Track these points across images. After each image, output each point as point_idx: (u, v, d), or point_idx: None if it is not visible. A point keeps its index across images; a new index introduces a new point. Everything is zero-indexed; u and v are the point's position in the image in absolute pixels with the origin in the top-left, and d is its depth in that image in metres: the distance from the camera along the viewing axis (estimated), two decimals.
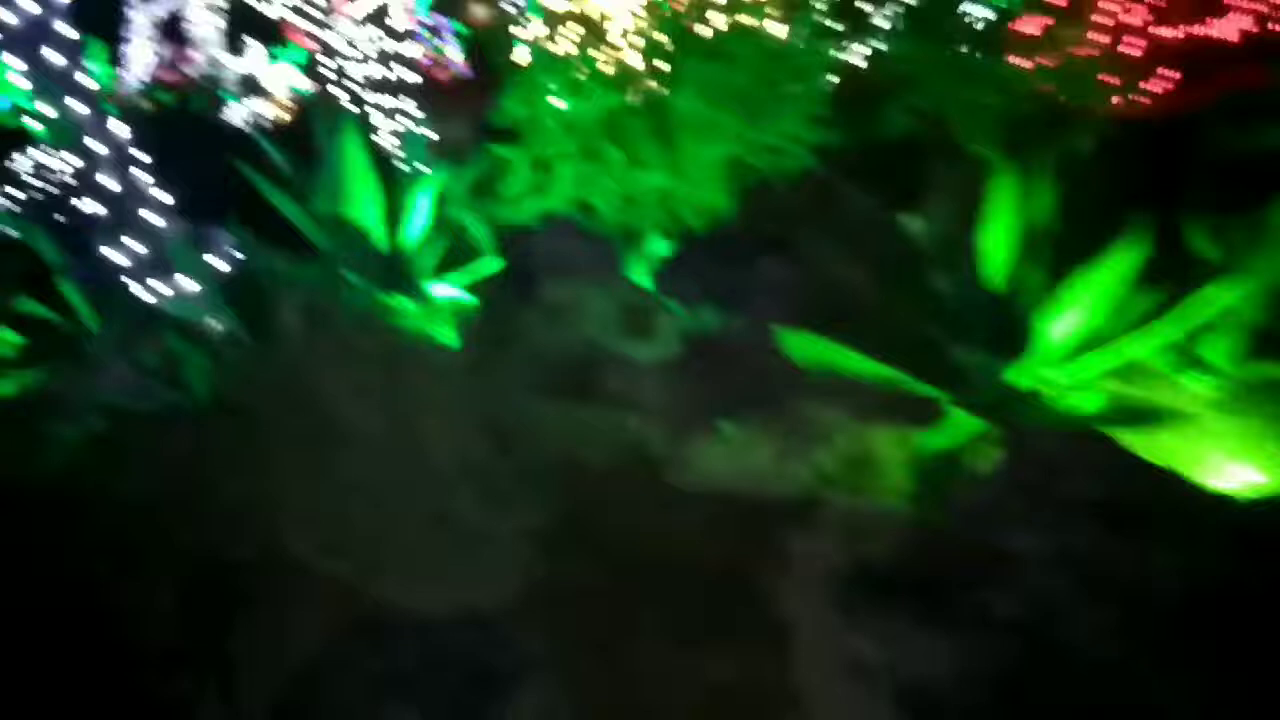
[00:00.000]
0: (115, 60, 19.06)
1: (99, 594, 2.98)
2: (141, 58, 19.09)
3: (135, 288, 4.48)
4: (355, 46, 8.68)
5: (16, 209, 5.50)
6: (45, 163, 5.47)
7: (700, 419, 3.73)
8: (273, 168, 4.84)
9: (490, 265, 4.47)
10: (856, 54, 6.99)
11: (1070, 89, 5.52)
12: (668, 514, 3.38)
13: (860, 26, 6.99)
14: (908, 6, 7.18)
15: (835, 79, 5.91)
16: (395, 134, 8.09)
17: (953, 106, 5.47)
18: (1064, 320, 3.48)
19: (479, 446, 3.25)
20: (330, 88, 9.45)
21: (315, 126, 4.77)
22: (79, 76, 4.35)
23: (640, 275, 4.53)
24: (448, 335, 4.37)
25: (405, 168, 5.24)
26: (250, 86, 17.26)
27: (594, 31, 7.07)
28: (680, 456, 3.65)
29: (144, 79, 18.69)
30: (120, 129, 4.43)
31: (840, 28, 7.11)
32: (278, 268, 4.59)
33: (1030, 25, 6.41)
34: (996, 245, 3.61)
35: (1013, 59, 5.80)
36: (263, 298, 4.37)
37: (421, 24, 17.79)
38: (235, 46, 17.99)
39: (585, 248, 4.16)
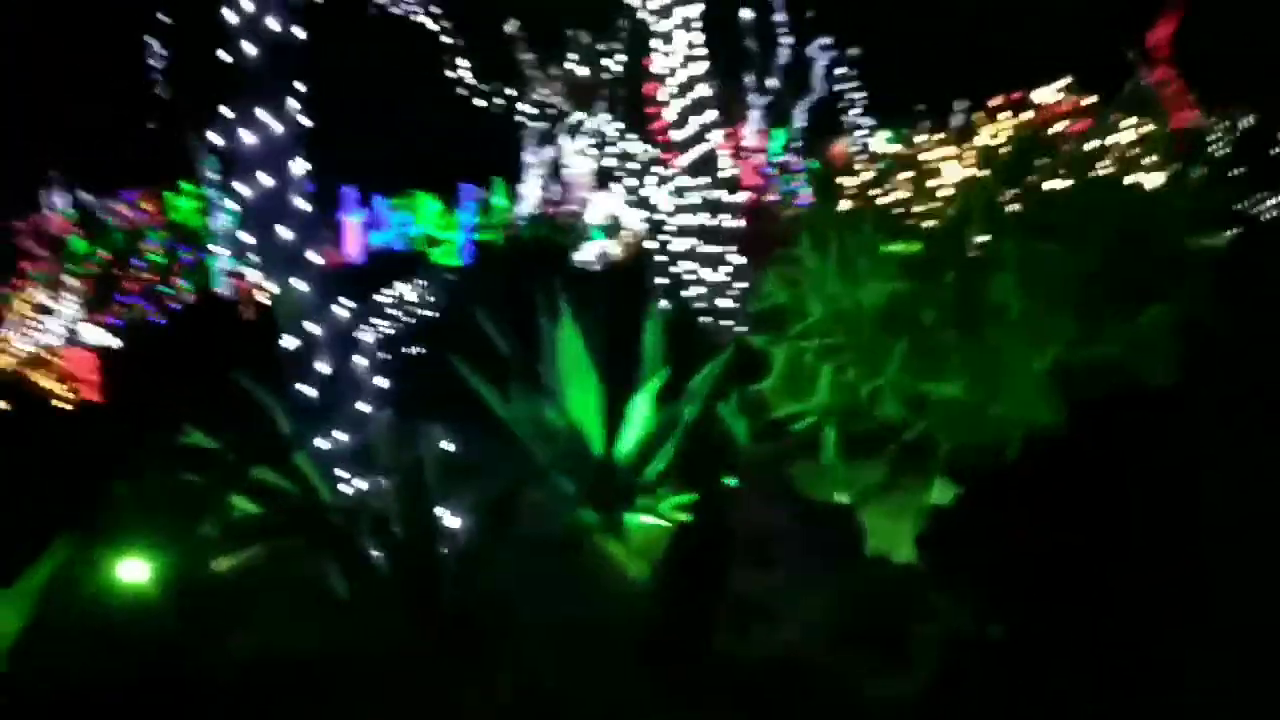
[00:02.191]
0: (512, 195, 20.87)
1: None
2: (532, 194, 20.71)
3: (338, 476, 3.88)
4: (682, 195, 8.10)
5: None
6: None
7: None
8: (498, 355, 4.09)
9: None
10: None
11: None
12: None
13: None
14: None
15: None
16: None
17: None
18: None
19: None
20: (650, 242, 8.96)
21: (538, 312, 3.95)
22: (309, 255, 3.91)
23: (900, 543, 3.06)
24: (641, 571, 3.25)
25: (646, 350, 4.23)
26: (612, 226, 17.87)
27: (920, 186, 5.75)
28: None
29: (532, 212, 20.19)
30: (342, 312, 3.91)
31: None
32: (477, 465, 3.79)
33: None
34: None
35: None
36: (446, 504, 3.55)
37: (776, 164, 17.42)
38: (604, 187, 18.84)
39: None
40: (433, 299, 9.69)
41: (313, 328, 3.86)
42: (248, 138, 3.78)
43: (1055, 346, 3.56)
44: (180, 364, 7.12)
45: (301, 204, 3.90)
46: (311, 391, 3.88)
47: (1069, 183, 4.16)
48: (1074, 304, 3.52)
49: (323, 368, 3.84)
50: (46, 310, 9.41)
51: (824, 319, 3.82)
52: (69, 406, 7.90)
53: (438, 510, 3.50)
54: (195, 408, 4.82)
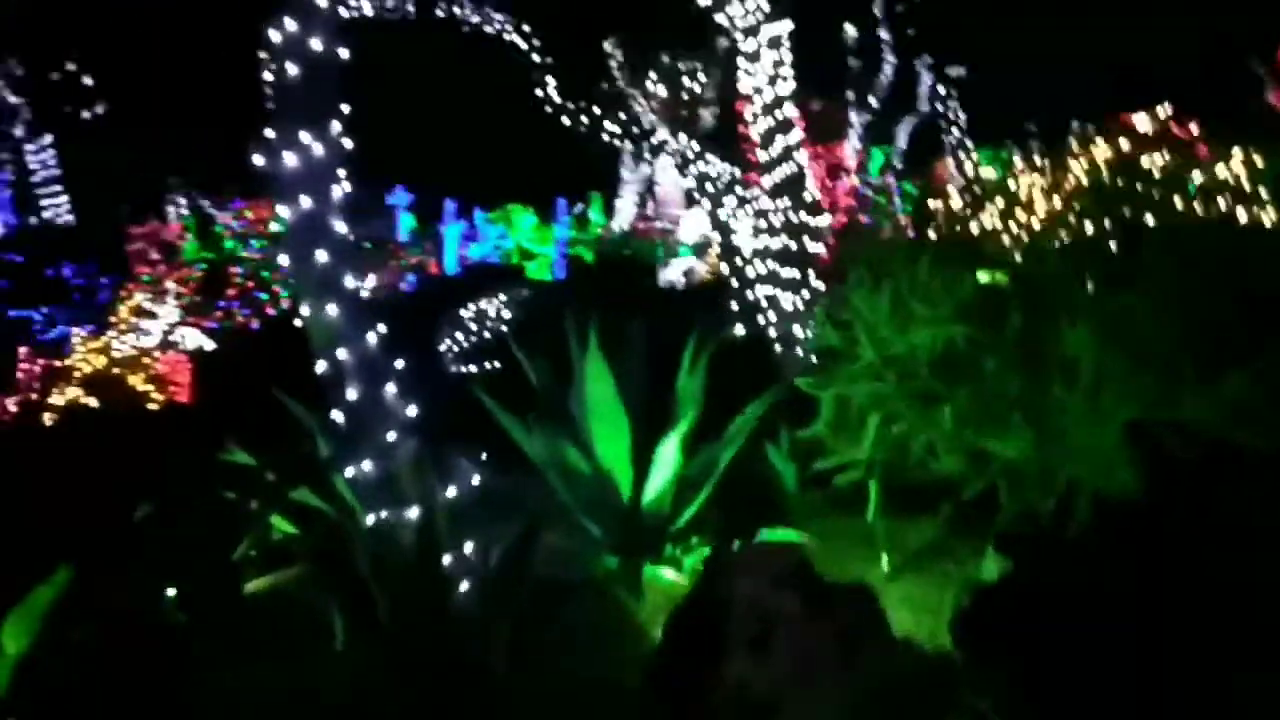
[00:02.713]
0: (609, 211, 20.89)
1: None
2: (627, 210, 20.68)
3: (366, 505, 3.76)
4: (763, 217, 7.83)
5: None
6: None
7: None
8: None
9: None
10: None
11: None
12: None
13: None
14: None
15: None
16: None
17: None
18: None
19: None
20: (724, 264, 8.69)
21: (570, 343, 3.75)
22: (346, 280, 3.81)
23: (937, 622, 2.74)
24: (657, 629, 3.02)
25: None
26: (701, 244, 17.62)
27: (1008, 218, 5.36)
28: None
29: (625, 227, 20.14)
30: (373, 338, 3.79)
31: None
32: (504, 500, 3.62)
33: None
34: None
35: None
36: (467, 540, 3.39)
37: (871, 185, 16.86)
38: (696, 205, 18.62)
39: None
40: (508, 315, 9.66)
41: (344, 354, 3.76)
42: (289, 159, 3.72)
43: (1132, 408, 3.16)
44: (251, 374, 7.23)
45: (340, 228, 3.82)
46: (342, 417, 3.78)
47: (1162, 223, 3.73)
48: (1157, 363, 3.12)
49: (353, 394, 3.74)
50: (150, 314, 9.80)
51: (873, 363, 3.51)
52: (156, 407, 8.16)
53: (455, 548, 3.35)
54: (247, 420, 4.82)
